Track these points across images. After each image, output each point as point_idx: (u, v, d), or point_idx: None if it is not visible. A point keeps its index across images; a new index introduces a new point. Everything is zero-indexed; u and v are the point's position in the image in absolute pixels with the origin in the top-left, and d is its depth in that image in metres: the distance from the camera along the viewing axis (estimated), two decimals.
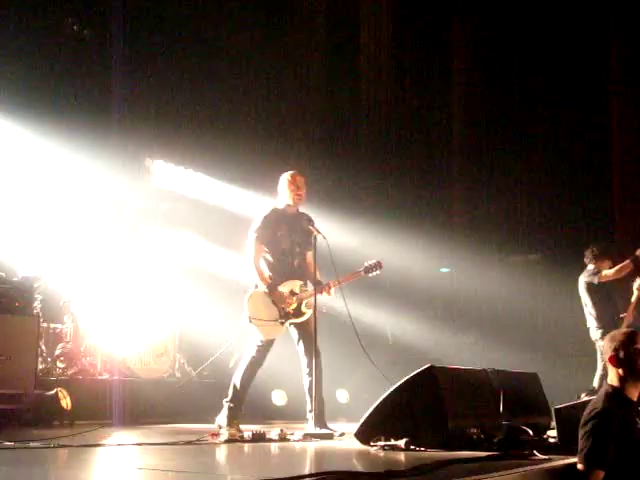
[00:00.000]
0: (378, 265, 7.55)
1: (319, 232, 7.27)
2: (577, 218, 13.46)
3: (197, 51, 12.22)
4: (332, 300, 7.67)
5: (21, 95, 9.96)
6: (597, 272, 9.87)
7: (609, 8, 13.43)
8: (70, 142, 10.13)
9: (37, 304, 8.61)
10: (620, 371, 4.71)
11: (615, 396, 4.68)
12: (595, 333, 9.81)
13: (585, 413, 4.69)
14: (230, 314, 8.12)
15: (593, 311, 9.85)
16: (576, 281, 10.07)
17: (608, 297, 9.87)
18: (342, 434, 6.93)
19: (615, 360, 4.73)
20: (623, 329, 4.84)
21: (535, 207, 13.94)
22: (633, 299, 9.58)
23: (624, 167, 13.61)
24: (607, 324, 9.53)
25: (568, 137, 13.76)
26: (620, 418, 4.61)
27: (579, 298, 10.01)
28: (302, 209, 7.65)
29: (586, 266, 9.98)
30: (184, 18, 12.31)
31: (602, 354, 8.77)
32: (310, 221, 7.37)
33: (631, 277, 9.72)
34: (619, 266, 9.72)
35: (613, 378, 4.75)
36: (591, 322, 9.89)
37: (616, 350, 4.72)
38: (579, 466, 4.59)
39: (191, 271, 10.80)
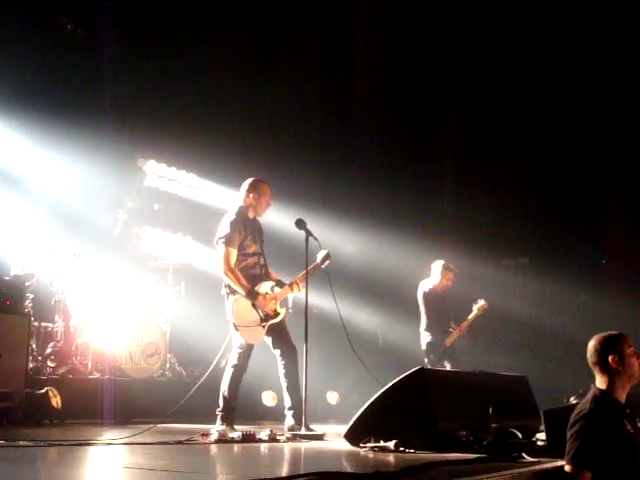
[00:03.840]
0: (328, 255, 7.62)
1: (311, 234, 7.34)
2: (566, 223, 13.51)
3: (190, 52, 12.21)
4: (322, 302, 7.73)
5: (13, 94, 9.94)
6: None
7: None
8: (62, 142, 10.12)
9: (28, 303, 8.60)
10: (608, 374, 4.74)
11: (603, 398, 4.71)
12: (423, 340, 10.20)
13: (573, 415, 4.71)
14: (221, 315, 8.11)
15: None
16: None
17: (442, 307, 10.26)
18: (323, 434, 6.98)
19: (603, 363, 4.75)
20: (605, 333, 4.85)
21: (525, 211, 13.98)
22: (470, 317, 10.16)
23: (614, 172, 13.67)
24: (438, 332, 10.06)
25: (559, 141, 13.80)
26: (608, 420, 4.64)
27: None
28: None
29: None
30: (177, 19, 12.30)
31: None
32: (303, 223, 7.42)
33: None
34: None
35: (601, 381, 4.79)
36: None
37: (604, 354, 4.75)
38: (566, 467, 4.61)
39: (183, 271, 10.80)
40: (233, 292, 7.40)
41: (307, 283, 7.34)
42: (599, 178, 13.81)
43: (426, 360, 9.99)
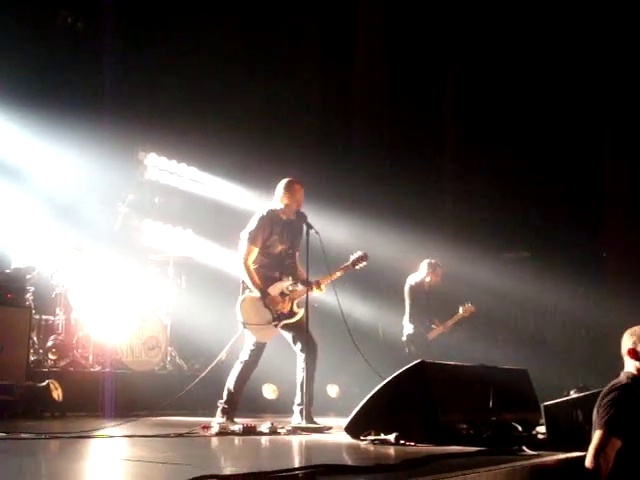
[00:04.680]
0: (364, 257, 7.62)
1: (312, 227, 7.30)
2: (567, 216, 13.51)
3: (190, 44, 12.20)
4: (323, 295, 7.70)
5: (13, 87, 9.92)
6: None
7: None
8: (63, 135, 10.11)
9: (29, 296, 8.60)
10: (638, 364, 4.82)
11: (636, 380, 4.80)
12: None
13: (605, 389, 4.81)
14: (222, 308, 8.13)
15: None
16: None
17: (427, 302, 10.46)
18: (330, 428, 6.98)
19: (633, 353, 4.85)
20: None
21: (525, 205, 13.98)
22: (455, 317, 10.43)
23: (614, 164, 13.66)
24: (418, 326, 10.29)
25: (559, 134, 13.79)
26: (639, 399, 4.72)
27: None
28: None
29: None
30: (177, 11, 12.29)
31: None
32: (303, 217, 7.40)
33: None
34: None
35: (631, 369, 4.86)
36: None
37: (635, 343, 4.85)
38: (598, 433, 4.62)
39: (183, 264, 10.80)
40: (245, 289, 7.42)
41: (308, 275, 7.31)
42: (598, 171, 13.80)
43: (407, 351, 10.19)
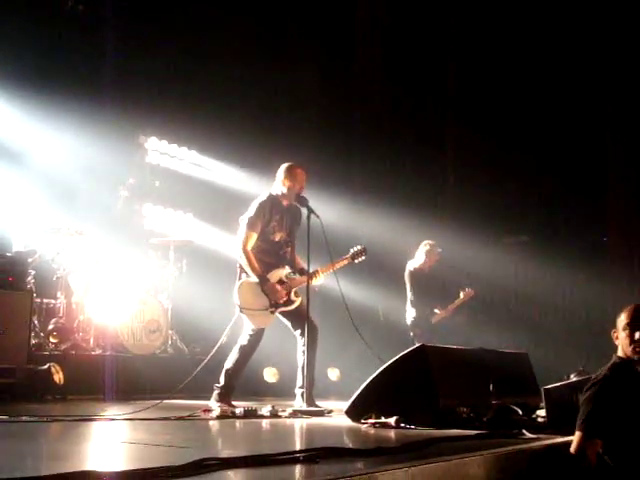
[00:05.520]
0: (363, 251, 7.65)
1: (313, 211, 7.29)
2: (568, 201, 13.49)
3: (193, 28, 12.16)
4: (324, 279, 7.70)
5: (14, 70, 9.90)
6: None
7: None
8: (64, 118, 10.10)
9: (30, 279, 8.61)
10: (631, 344, 4.72)
11: (622, 366, 4.71)
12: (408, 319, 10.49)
13: (587, 384, 4.72)
14: (223, 291, 8.13)
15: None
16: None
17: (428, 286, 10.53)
18: (330, 411, 7.00)
19: (627, 333, 4.75)
20: (634, 304, 4.84)
21: (526, 189, 13.95)
22: (456, 301, 10.53)
23: (616, 150, 13.63)
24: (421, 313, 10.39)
25: (560, 119, 13.75)
26: (623, 387, 4.63)
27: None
28: None
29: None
30: None
31: None
32: (305, 200, 7.38)
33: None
34: None
35: (623, 350, 4.78)
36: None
37: (628, 324, 4.74)
38: (576, 434, 4.57)
39: (184, 248, 10.81)
40: (242, 273, 7.42)
41: (309, 261, 7.30)
42: (600, 156, 13.76)
43: (411, 334, 10.27)
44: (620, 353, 4.78)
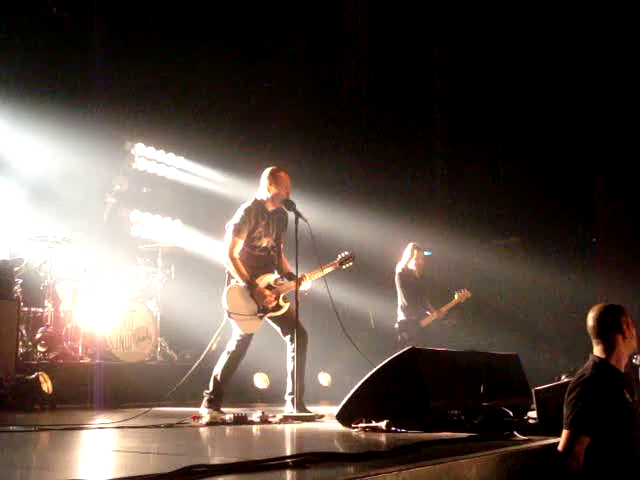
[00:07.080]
0: (351, 257, 7.63)
1: (300, 215, 7.25)
2: (557, 202, 13.52)
3: (178, 35, 12.14)
4: (313, 284, 7.67)
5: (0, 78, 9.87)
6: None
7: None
8: (49, 125, 10.06)
9: (17, 288, 8.57)
10: (608, 344, 4.78)
11: (603, 365, 4.74)
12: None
13: (572, 381, 4.75)
14: (212, 297, 8.09)
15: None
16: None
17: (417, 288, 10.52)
18: (321, 416, 6.97)
19: (603, 333, 4.81)
20: (605, 303, 4.88)
21: (516, 191, 13.98)
22: (450, 303, 10.48)
23: (604, 151, 13.67)
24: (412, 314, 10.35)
25: (548, 120, 13.78)
26: (608, 386, 4.68)
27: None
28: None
29: None
30: (165, 1, 12.22)
31: None
32: (292, 204, 7.34)
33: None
34: None
35: (600, 350, 4.82)
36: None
37: (605, 323, 4.81)
38: (564, 432, 4.60)
39: (172, 254, 10.76)
40: (231, 278, 7.38)
41: (297, 268, 7.26)
42: (589, 156, 13.80)
43: (399, 338, 10.22)
44: (599, 354, 4.77)
